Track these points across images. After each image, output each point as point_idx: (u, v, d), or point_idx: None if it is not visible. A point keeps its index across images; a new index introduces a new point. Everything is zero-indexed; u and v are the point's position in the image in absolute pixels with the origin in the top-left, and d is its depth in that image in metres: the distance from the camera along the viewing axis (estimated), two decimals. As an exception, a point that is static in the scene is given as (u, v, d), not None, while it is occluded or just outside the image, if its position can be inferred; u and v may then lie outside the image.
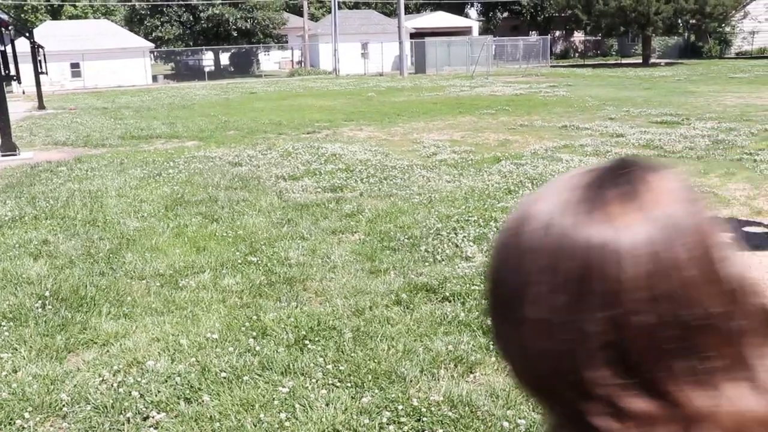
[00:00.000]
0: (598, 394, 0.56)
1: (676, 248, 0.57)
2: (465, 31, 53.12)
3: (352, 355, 3.71)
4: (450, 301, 4.46)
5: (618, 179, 0.60)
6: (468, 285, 4.67)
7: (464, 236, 5.94)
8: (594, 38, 56.81)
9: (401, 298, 4.51)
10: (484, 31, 56.06)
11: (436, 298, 4.54)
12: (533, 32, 57.35)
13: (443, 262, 5.30)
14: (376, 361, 3.62)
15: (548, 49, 44.52)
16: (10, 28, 16.88)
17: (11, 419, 3.25)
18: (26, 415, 3.26)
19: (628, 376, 0.56)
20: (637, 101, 18.31)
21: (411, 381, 3.42)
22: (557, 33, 59.86)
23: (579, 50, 61.36)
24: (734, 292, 0.59)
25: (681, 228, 0.58)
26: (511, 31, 58.42)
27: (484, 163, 9.68)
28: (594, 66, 43.11)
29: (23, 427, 3.18)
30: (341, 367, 3.57)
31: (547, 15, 58.59)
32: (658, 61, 44.79)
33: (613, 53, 57.47)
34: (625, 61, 48.55)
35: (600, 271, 0.56)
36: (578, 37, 60.58)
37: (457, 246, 5.69)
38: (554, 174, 8.54)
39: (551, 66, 43.81)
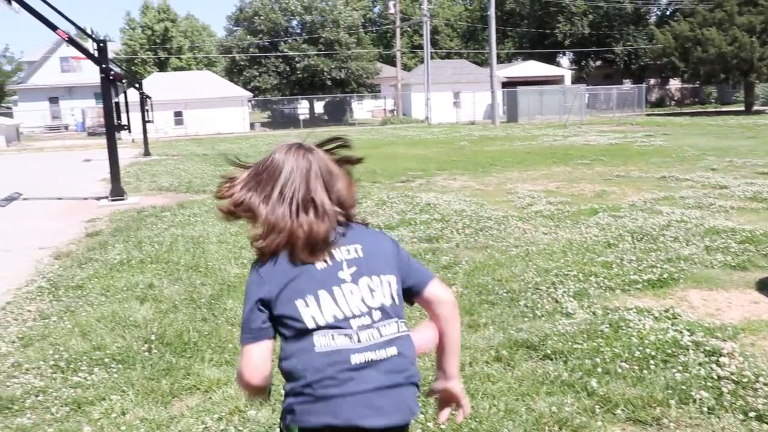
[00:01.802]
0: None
1: (292, 166, 1.92)
2: (557, 80, 52.85)
3: (453, 413, 3.64)
4: (552, 359, 4.34)
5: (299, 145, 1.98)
6: (570, 343, 4.55)
7: (564, 291, 5.81)
8: (691, 86, 55.55)
9: (501, 355, 4.43)
10: (576, 80, 55.64)
11: (537, 356, 4.44)
12: (627, 80, 56.57)
13: (543, 318, 5.19)
14: (477, 420, 3.55)
15: (643, 97, 43.66)
16: (124, 81, 17.87)
17: (121, 463, 3.34)
18: (135, 459, 3.34)
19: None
20: (741, 151, 17.70)
21: (514, 442, 3.34)
22: (652, 81, 58.84)
23: (675, 98, 60.09)
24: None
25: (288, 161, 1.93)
26: (604, 79, 57.78)
27: (581, 215, 9.50)
28: (692, 114, 42.04)
29: (132, 472, 3.26)
30: (442, 426, 3.51)
31: (641, 63, 57.73)
32: (762, 108, 43.32)
33: (712, 101, 55.99)
34: (725, 108, 47.21)
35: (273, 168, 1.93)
36: (674, 84, 59.37)
37: (557, 301, 5.58)
38: (655, 227, 8.30)
39: (646, 115, 42.94)
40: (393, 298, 1.96)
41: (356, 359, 1.85)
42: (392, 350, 1.91)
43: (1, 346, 5.17)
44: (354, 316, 1.88)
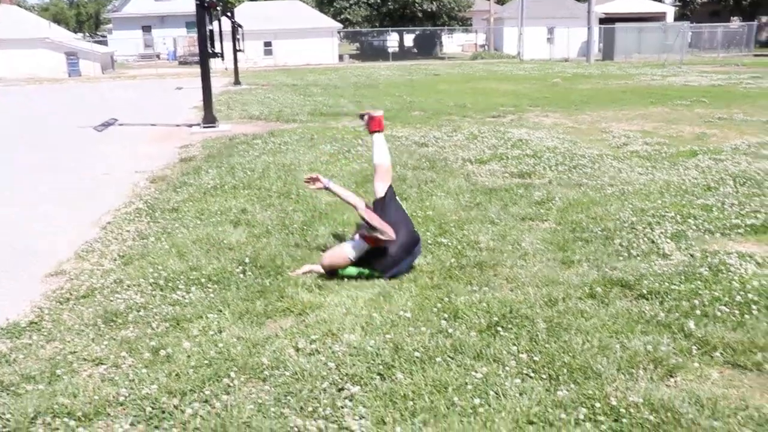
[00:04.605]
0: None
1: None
2: (658, 17, 50.41)
3: (546, 346, 3.61)
4: (647, 299, 4.23)
5: None
6: (667, 284, 4.41)
7: (661, 232, 5.62)
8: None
9: (595, 292, 4.34)
10: (679, 17, 52.96)
11: (632, 295, 4.33)
12: (735, 18, 53.40)
13: (638, 258, 5.05)
14: (570, 354, 3.50)
15: (753, 36, 41.19)
16: (218, 8, 18.03)
17: (219, 376, 3.43)
18: (231, 374, 3.43)
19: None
20: None
21: (607, 379, 3.28)
22: (764, 19, 55.25)
23: (788, 38, 56.30)
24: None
25: None
26: (710, 16, 54.72)
27: (679, 157, 9.14)
28: (806, 55, 39.47)
29: (229, 386, 3.34)
30: (535, 358, 3.49)
31: (753, -1, 54.13)
32: None
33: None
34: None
35: None
36: (788, 23, 55.56)
37: (653, 242, 5.40)
38: (759, 172, 7.91)
39: (754, 55, 40.57)
40: None
41: None
42: None
43: (104, 263, 5.40)
44: None
